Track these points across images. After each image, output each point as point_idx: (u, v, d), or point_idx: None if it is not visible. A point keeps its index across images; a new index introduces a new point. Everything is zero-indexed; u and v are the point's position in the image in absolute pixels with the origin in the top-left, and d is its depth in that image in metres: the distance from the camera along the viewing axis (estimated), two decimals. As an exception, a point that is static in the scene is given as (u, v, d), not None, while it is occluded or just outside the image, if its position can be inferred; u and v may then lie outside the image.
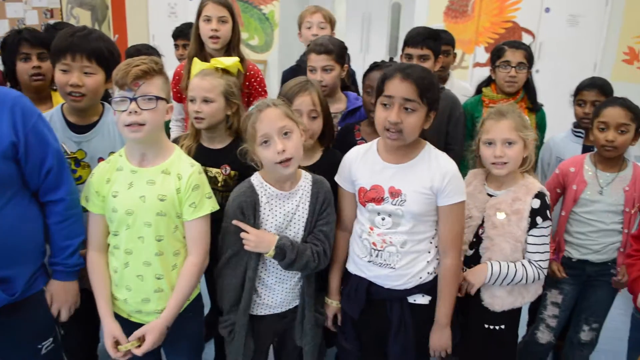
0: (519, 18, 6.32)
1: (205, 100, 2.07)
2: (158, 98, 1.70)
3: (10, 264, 1.62)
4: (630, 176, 2.26)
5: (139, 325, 1.80)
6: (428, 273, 1.89)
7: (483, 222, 2.01)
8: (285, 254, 1.80)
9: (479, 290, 2.01)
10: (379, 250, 1.88)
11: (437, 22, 6.28)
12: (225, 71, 2.17)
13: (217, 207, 1.84)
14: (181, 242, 1.82)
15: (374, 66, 2.33)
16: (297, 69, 3.07)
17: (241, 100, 2.23)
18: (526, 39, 6.14)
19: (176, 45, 3.52)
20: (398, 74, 1.77)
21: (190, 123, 2.20)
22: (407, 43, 2.57)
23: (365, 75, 2.35)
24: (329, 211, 1.90)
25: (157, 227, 1.75)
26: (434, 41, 2.54)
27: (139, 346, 1.75)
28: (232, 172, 2.13)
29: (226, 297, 1.94)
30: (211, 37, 2.58)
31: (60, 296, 1.80)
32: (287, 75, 3.02)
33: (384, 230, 1.87)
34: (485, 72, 6.36)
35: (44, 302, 1.77)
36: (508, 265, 1.95)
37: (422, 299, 1.91)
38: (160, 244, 1.76)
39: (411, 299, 1.91)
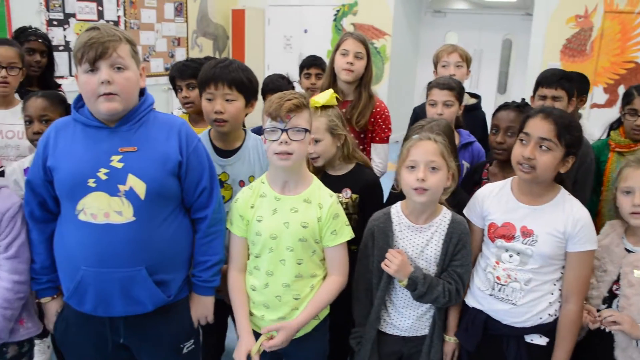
0: (642, 59, 6.06)
1: (315, 141, 2.18)
2: (306, 130, 1.83)
3: (169, 269, 1.79)
4: None
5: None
6: (549, 315, 1.89)
7: (619, 278, 1.94)
8: (417, 286, 1.86)
9: (612, 347, 1.90)
10: (503, 285, 1.90)
11: (553, 61, 6.16)
12: (323, 107, 2.26)
13: (353, 235, 1.93)
14: (317, 265, 1.92)
15: (503, 106, 2.37)
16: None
17: (347, 128, 2.31)
18: (649, 80, 5.88)
19: (307, 74, 3.58)
20: (540, 113, 1.86)
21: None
22: (541, 83, 2.61)
23: (494, 114, 2.39)
24: (464, 253, 1.93)
25: (298, 251, 1.85)
26: (568, 82, 2.56)
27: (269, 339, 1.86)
28: (354, 196, 2.23)
29: (357, 310, 2.06)
30: (345, 69, 2.72)
31: (197, 309, 1.93)
32: (419, 110, 3.07)
33: (510, 266, 1.89)
34: (603, 113, 6.15)
35: (188, 308, 1.92)
36: None
37: (540, 340, 1.90)
38: (300, 267, 1.86)
39: (528, 339, 1.91)
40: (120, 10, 6.33)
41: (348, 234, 1.91)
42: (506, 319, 1.91)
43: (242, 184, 2.16)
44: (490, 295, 1.93)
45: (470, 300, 2.01)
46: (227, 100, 2.07)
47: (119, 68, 1.67)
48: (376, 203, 2.17)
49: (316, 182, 1.94)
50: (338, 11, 7.27)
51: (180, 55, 7.09)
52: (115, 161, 1.68)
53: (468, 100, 3.17)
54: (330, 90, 2.33)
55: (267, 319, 1.91)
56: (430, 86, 2.68)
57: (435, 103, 2.61)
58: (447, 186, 1.90)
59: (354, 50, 2.71)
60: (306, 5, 7.38)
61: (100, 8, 6.12)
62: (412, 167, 1.87)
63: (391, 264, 1.88)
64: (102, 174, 1.67)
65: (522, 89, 6.56)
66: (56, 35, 5.75)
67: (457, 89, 2.61)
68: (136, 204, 1.68)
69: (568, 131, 1.82)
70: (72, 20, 5.89)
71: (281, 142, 1.78)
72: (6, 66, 2.64)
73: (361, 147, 2.77)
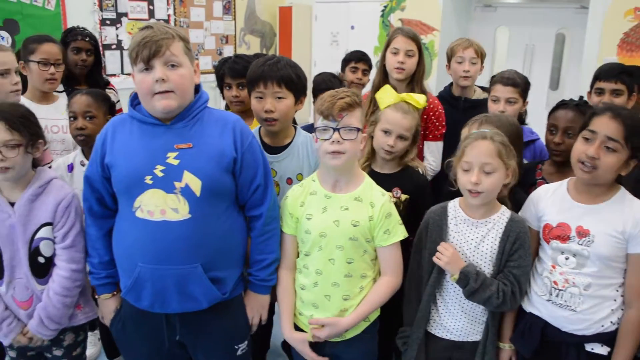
0: None
1: (401, 137, 2.17)
2: (358, 129, 1.80)
3: (224, 266, 1.79)
4: None
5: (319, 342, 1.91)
6: (611, 322, 1.79)
7: None
8: (468, 281, 1.80)
9: None
10: (560, 290, 1.83)
11: (610, 56, 5.93)
12: (414, 107, 2.26)
13: (407, 234, 1.90)
14: (368, 265, 1.89)
15: (561, 105, 2.28)
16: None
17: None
18: None
19: (354, 69, 3.55)
20: (609, 111, 1.77)
21: (368, 149, 2.30)
22: (599, 77, 2.53)
23: (551, 113, 2.30)
24: (522, 254, 1.84)
25: (348, 250, 1.83)
26: (629, 77, 2.46)
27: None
28: (403, 196, 2.19)
29: (406, 309, 2.02)
30: (396, 69, 2.68)
31: (253, 307, 1.93)
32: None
33: (566, 270, 1.82)
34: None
35: (244, 307, 1.93)
36: None
37: (601, 349, 1.81)
38: (350, 266, 1.84)
39: (589, 347, 1.82)
40: (171, 9, 6.43)
41: (401, 233, 1.87)
42: (565, 325, 1.83)
43: (289, 181, 2.15)
44: (548, 300, 1.86)
45: (528, 306, 1.94)
46: (277, 98, 2.05)
47: (172, 65, 1.68)
48: (428, 206, 2.11)
49: (368, 180, 1.91)
50: (385, 7, 7.19)
51: (229, 52, 7.15)
52: (171, 158, 1.70)
53: (480, 95, 3.10)
54: (424, 96, 2.32)
55: (316, 320, 1.91)
56: (494, 81, 2.61)
57: (498, 99, 2.54)
58: (506, 182, 1.84)
59: (404, 48, 2.66)
60: (353, 1, 7.33)
61: (151, 7, 6.23)
62: (467, 169, 1.82)
63: (442, 256, 1.84)
64: (158, 170, 1.69)
65: (575, 85, 6.34)
66: (109, 35, 5.87)
67: (522, 86, 2.54)
68: (192, 201, 1.69)
69: (636, 134, 1.73)
70: (124, 19, 6.01)
71: (333, 141, 1.76)
72: (54, 63, 2.72)
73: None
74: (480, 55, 3.07)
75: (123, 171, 1.73)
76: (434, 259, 1.87)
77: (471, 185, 1.79)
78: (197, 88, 1.82)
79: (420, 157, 2.73)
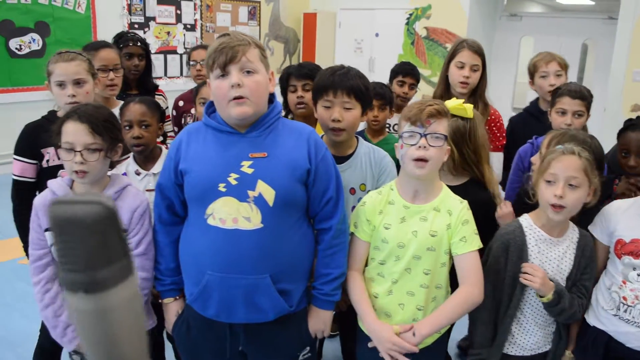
0: None
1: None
2: (445, 137, 1.78)
3: (292, 278, 1.76)
4: None
5: None
6: None
7: None
8: (561, 300, 1.78)
9: None
10: (629, 306, 1.81)
11: (639, 67, 5.89)
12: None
13: (482, 245, 1.85)
14: (444, 277, 1.86)
15: (631, 126, 2.22)
16: (526, 116, 3.06)
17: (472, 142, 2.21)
18: None
19: (402, 82, 3.48)
20: None
21: None
22: None
23: (621, 134, 2.24)
24: (592, 266, 1.88)
25: (426, 260, 1.79)
26: None
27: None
28: None
29: (478, 330, 1.96)
30: (461, 83, 2.65)
31: (315, 322, 1.88)
32: (516, 121, 3.01)
33: (638, 286, 1.79)
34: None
35: (306, 319, 1.88)
36: None
37: None
38: (427, 277, 1.80)
39: None
40: (197, 13, 6.44)
41: (477, 243, 1.82)
42: (631, 341, 1.82)
43: (352, 191, 2.12)
44: (615, 315, 1.83)
45: (592, 319, 1.92)
46: (345, 108, 2.03)
47: (248, 72, 1.66)
48: (486, 225, 1.98)
49: (446, 190, 1.88)
50: (411, 15, 7.18)
51: (253, 58, 7.17)
52: (246, 167, 1.67)
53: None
54: (459, 101, 2.23)
55: (389, 328, 1.86)
56: (561, 93, 2.55)
57: (565, 112, 2.48)
58: (587, 202, 1.81)
59: (470, 62, 2.64)
60: (378, 8, 7.33)
61: (178, 12, 6.25)
62: (551, 181, 1.79)
63: (534, 278, 1.79)
64: (232, 179, 1.66)
65: (602, 96, 6.31)
66: (137, 38, 5.91)
67: (589, 98, 2.49)
68: (264, 210, 1.66)
69: None
70: (152, 23, 6.03)
71: (419, 146, 1.73)
72: (112, 68, 2.70)
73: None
74: (565, 67, 2.99)
75: (197, 178, 1.71)
76: (523, 280, 1.82)
77: (555, 199, 1.75)
78: (272, 98, 1.80)
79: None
